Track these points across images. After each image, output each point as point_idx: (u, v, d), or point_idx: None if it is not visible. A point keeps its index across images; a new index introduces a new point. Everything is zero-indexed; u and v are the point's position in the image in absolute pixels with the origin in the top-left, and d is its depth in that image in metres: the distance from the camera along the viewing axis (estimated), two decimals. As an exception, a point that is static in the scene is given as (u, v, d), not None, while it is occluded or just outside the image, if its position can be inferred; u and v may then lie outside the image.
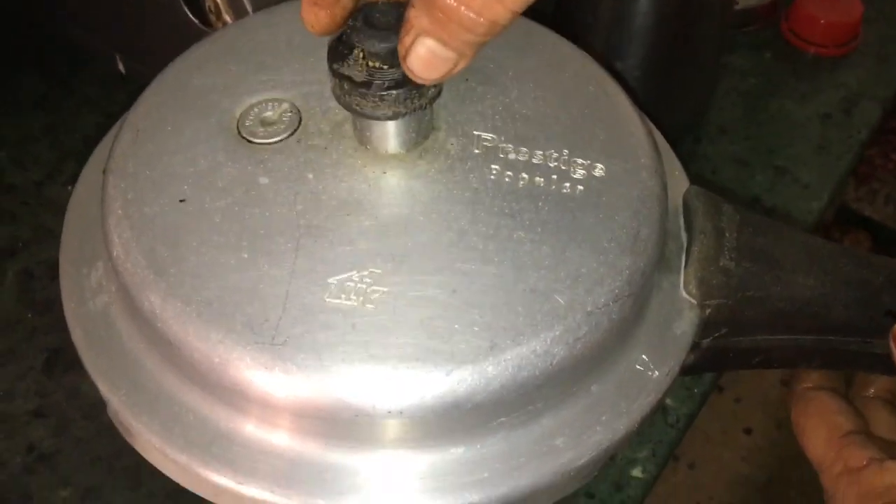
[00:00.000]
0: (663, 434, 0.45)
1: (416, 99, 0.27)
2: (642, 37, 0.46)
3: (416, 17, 0.24)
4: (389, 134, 0.28)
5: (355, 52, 0.26)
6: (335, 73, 0.27)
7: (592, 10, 0.47)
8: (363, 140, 0.29)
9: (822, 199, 0.54)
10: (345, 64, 0.26)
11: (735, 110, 0.59)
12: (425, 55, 0.25)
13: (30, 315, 0.45)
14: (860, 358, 0.33)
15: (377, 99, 0.26)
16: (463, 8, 0.23)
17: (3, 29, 0.56)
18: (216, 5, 0.38)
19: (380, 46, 0.26)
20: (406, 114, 0.27)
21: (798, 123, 0.58)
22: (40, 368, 0.43)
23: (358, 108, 0.27)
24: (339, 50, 0.27)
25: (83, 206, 0.32)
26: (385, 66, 0.26)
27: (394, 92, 0.26)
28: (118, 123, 0.33)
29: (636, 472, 0.44)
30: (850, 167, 0.56)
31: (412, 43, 0.25)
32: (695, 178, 0.34)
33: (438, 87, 0.28)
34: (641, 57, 0.47)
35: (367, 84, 0.26)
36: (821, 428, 0.34)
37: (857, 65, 0.62)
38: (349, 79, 0.26)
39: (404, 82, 0.26)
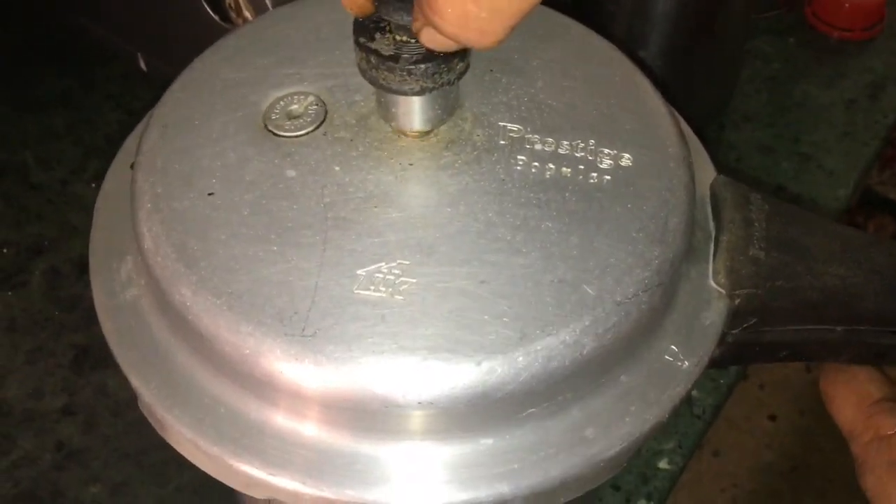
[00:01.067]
0: (689, 425, 0.45)
1: (444, 74, 0.26)
2: (665, 25, 0.46)
3: (420, 16, 0.24)
4: (415, 110, 0.28)
5: (382, 25, 0.26)
6: (362, 48, 0.26)
7: (613, 0, 0.47)
8: (388, 118, 0.29)
9: (848, 185, 0.54)
10: (372, 38, 0.26)
11: (759, 97, 0.58)
12: (436, 39, 0.25)
13: (57, 313, 0.45)
14: (891, 351, 0.33)
15: (405, 73, 0.26)
16: (462, 33, 0.23)
17: (26, 27, 0.57)
18: (236, 2, 0.38)
19: (407, 20, 0.25)
20: (433, 89, 0.27)
21: (823, 109, 0.58)
22: (68, 366, 0.44)
23: (385, 82, 0.27)
24: (365, 24, 0.27)
25: (112, 200, 0.32)
26: (413, 41, 0.26)
27: (422, 66, 0.26)
28: (146, 118, 0.33)
29: (663, 464, 0.44)
30: (876, 153, 0.56)
31: (421, 28, 0.25)
32: (720, 165, 0.34)
33: (466, 62, 0.27)
34: (664, 45, 0.47)
35: (394, 58, 0.26)
36: (850, 396, 0.34)
37: (882, 48, 0.62)
38: (376, 52, 0.26)
39: (432, 56, 0.26)
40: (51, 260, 0.48)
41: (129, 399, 0.29)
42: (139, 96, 0.55)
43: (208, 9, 0.40)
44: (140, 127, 0.34)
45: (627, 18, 0.47)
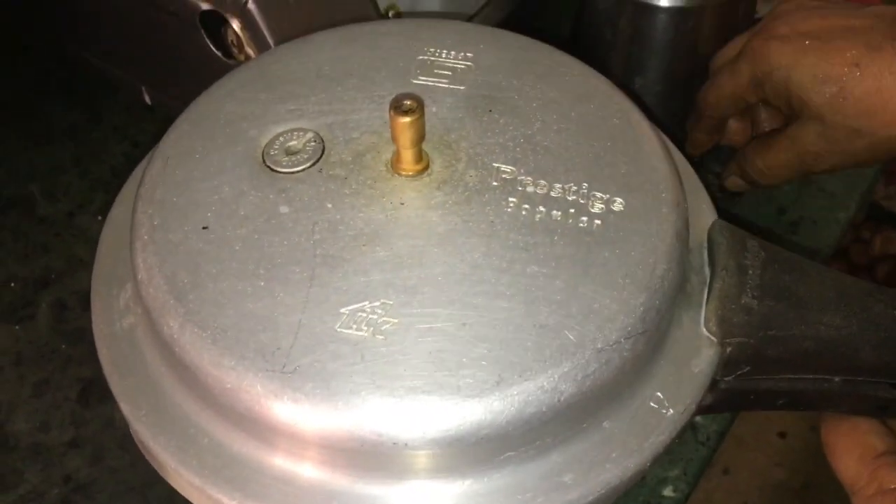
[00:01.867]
0: (694, 452, 0.44)
1: None
2: (662, 52, 0.46)
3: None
4: None
5: None
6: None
7: (611, 28, 0.46)
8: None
9: (849, 208, 0.53)
10: None
11: None
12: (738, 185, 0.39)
13: (64, 346, 0.46)
14: (892, 405, 0.33)
15: None
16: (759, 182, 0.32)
17: (32, 62, 0.58)
18: (238, 38, 0.39)
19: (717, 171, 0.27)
20: None
21: None
22: (75, 399, 0.44)
23: None
24: None
25: (118, 228, 0.33)
26: None
27: None
28: (154, 149, 0.34)
29: (667, 492, 0.43)
30: (876, 175, 0.55)
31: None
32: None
33: None
34: (663, 72, 0.46)
35: None
36: (853, 448, 0.34)
37: None
38: None
39: None
40: (57, 293, 0.48)
41: (132, 428, 0.29)
42: (144, 129, 0.55)
43: (210, 45, 0.41)
44: (148, 157, 0.35)
45: (626, 47, 0.47)
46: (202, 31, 0.41)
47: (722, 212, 0.34)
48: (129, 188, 0.34)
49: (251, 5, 0.39)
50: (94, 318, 0.31)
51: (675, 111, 0.48)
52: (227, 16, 0.39)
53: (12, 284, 0.48)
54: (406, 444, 0.25)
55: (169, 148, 0.31)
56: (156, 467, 0.29)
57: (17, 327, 0.47)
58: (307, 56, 0.34)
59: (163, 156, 0.31)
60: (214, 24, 0.41)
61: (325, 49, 0.34)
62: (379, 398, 0.25)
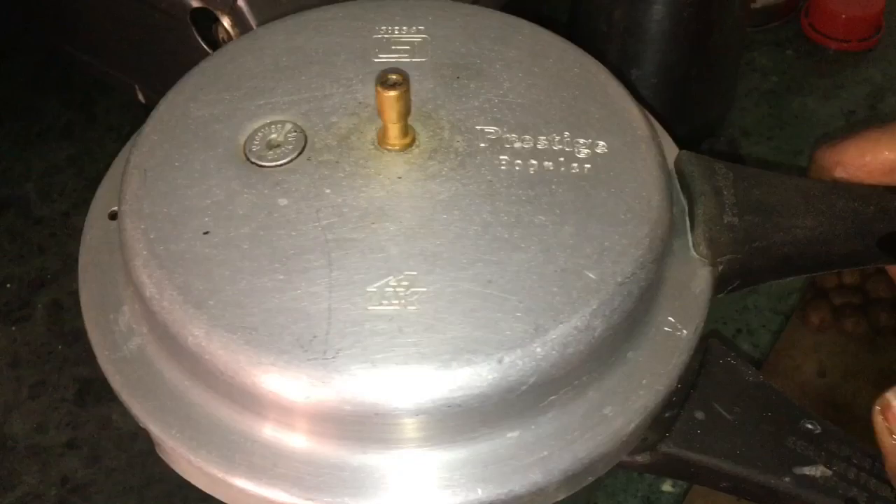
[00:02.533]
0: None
1: None
2: (659, 42, 0.45)
3: None
4: None
5: None
6: None
7: (606, 19, 0.46)
8: None
9: None
10: None
11: (757, 110, 0.58)
12: None
13: (60, 346, 0.46)
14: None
15: None
16: None
17: (27, 63, 0.58)
18: (228, 35, 0.39)
19: None
20: None
21: (822, 122, 0.58)
22: (72, 399, 0.44)
23: None
24: None
25: (94, 252, 0.32)
26: None
27: None
28: (115, 162, 0.33)
29: (666, 487, 0.44)
30: None
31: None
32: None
33: None
34: (659, 63, 0.46)
35: None
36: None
37: (880, 58, 0.61)
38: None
39: None
40: (53, 293, 0.48)
41: (133, 431, 0.29)
42: (138, 127, 0.54)
43: (200, 41, 0.41)
44: (108, 176, 0.34)
45: (621, 38, 0.46)
46: (193, 29, 0.40)
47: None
48: (96, 212, 0.33)
49: (241, 2, 0.39)
50: (95, 348, 0.30)
51: (671, 101, 0.48)
52: (217, 13, 0.39)
53: (8, 285, 0.48)
54: (460, 405, 0.26)
55: (143, 161, 0.30)
56: (192, 481, 0.28)
57: (13, 328, 0.46)
58: (261, 51, 0.34)
59: (139, 169, 0.30)
60: (205, 21, 0.40)
61: (277, 41, 0.34)
62: (426, 365, 0.25)
